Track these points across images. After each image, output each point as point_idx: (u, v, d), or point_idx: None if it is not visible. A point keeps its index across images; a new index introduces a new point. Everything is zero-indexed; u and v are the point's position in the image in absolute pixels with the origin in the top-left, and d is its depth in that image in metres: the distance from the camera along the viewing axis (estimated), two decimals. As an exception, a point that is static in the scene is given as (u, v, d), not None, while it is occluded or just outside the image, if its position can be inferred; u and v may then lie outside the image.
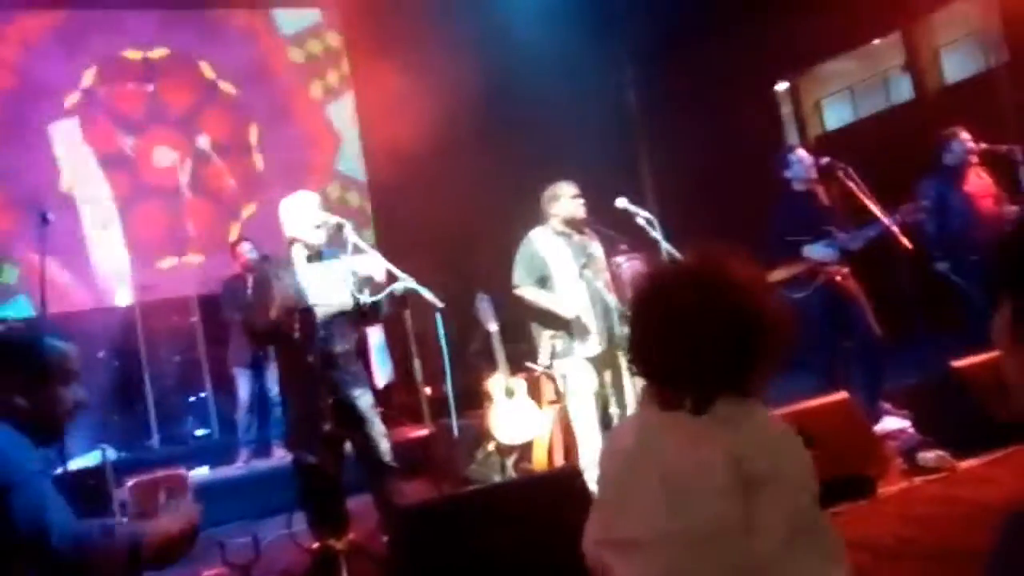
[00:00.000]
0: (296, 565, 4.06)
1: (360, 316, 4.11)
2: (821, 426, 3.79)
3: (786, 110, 10.34)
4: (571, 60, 8.42)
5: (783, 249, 5.23)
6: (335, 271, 4.09)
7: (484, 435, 5.56)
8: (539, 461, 5.25)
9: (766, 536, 1.48)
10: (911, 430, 4.56)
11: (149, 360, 7.77)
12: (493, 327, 5.74)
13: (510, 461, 5.44)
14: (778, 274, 5.28)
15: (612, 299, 4.55)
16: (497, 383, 5.59)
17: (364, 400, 4.05)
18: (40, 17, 8.47)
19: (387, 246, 6.42)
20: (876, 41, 9.43)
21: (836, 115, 10.31)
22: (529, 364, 5.39)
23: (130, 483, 4.89)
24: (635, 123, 9.38)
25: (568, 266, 4.66)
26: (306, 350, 3.82)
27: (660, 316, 1.60)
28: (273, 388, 6.86)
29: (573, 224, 4.77)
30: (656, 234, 4.88)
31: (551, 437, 5.23)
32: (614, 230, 5.12)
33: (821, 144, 9.39)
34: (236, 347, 6.94)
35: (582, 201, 4.80)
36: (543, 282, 4.64)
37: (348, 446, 4.14)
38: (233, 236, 8.05)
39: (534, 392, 5.53)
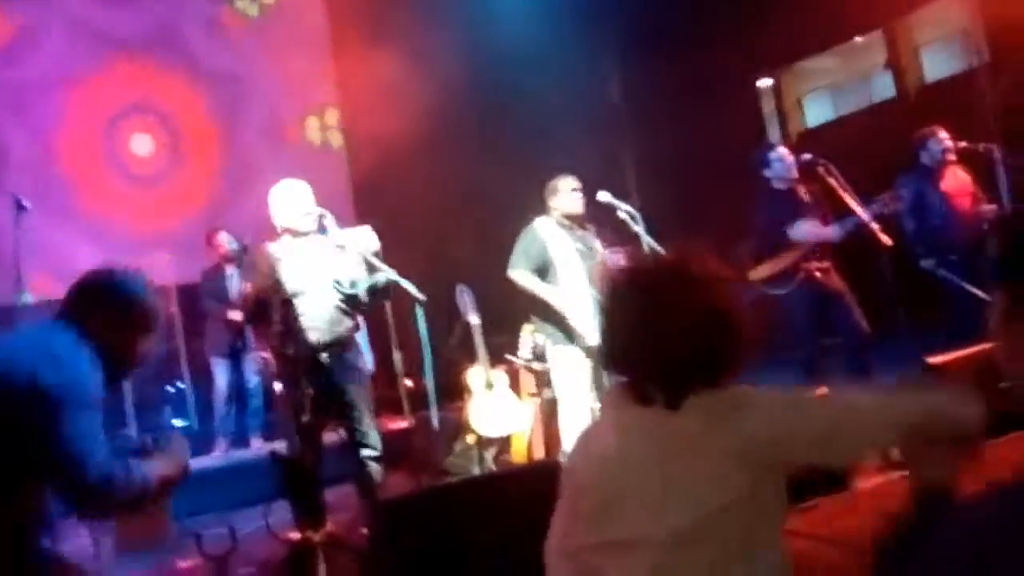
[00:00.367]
0: (273, 557, 4.04)
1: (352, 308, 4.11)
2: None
3: (768, 106, 10.37)
4: (555, 54, 8.40)
5: (766, 246, 5.25)
6: (324, 254, 4.08)
7: (463, 427, 5.56)
8: (519, 454, 5.26)
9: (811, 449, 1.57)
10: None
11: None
12: (473, 319, 5.74)
13: (489, 454, 5.45)
14: (761, 271, 5.30)
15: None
16: (477, 375, 5.59)
17: (354, 390, 4.04)
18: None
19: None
20: (858, 39, 9.47)
21: (817, 112, 10.35)
22: (509, 357, 5.40)
23: (106, 473, 4.84)
24: (618, 117, 9.38)
25: (572, 256, 4.67)
26: (287, 341, 3.81)
27: (631, 312, 1.64)
28: (252, 378, 6.83)
29: (572, 218, 4.78)
30: (638, 228, 4.90)
31: (532, 430, 5.23)
32: (596, 223, 5.14)
33: (802, 141, 9.42)
34: (213, 337, 6.90)
35: (580, 196, 4.81)
36: (543, 270, 4.65)
37: (328, 437, 4.14)
38: (210, 226, 7.96)
39: (514, 385, 5.54)
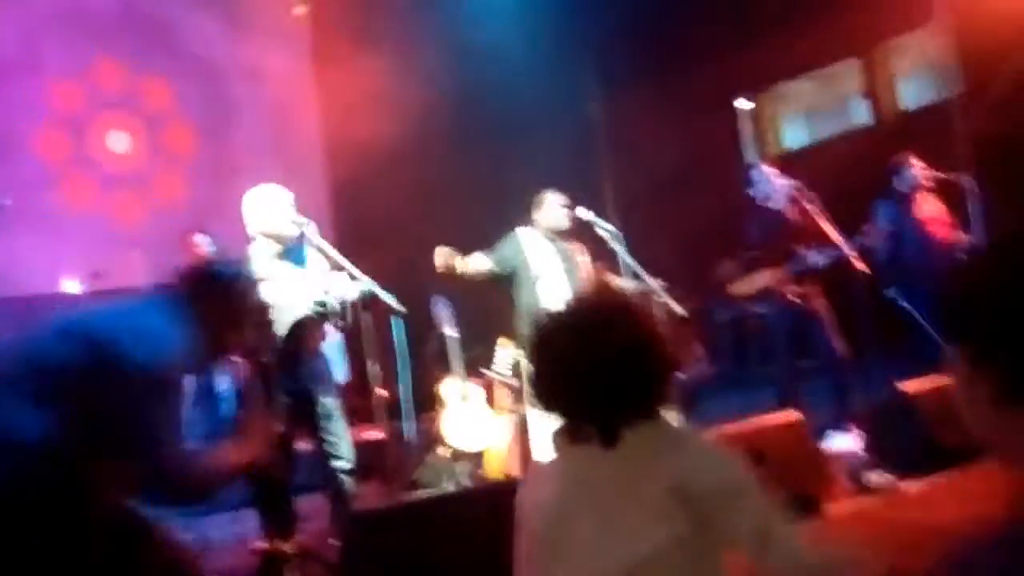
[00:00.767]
0: (243, 566, 4.00)
1: (321, 318, 4.08)
2: (769, 444, 3.84)
3: (746, 128, 10.46)
4: (536, 70, 8.43)
5: (752, 263, 5.32)
6: (305, 275, 4.05)
7: (436, 439, 5.54)
8: (493, 470, 5.24)
9: (753, 537, 1.58)
10: (860, 450, 4.64)
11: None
12: (449, 331, 5.72)
13: (461, 466, 5.42)
14: (741, 287, 5.37)
15: None
16: (451, 387, 5.57)
17: (327, 399, 4.02)
18: None
19: (346, 244, 6.37)
20: (836, 65, 9.58)
21: (794, 135, 10.46)
22: (484, 370, 5.39)
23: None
24: (597, 135, 9.43)
25: (552, 268, 4.69)
26: (261, 352, 3.77)
27: (557, 349, 1.68)
28: (221, 384, 6.73)
29: (557, 233, 4.81)
30: (616, 245, 4.92)
31: (507, 446, 5.22)
32: (574, 239, 5.16)
33: (779, 163, 9.50)
34: None
35: (566, 212, 4.84)
36: (512, 274, 4.68)
37: (299, 446, 4.11)
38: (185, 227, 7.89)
39: (490, 399, 5.53)
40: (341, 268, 4.06)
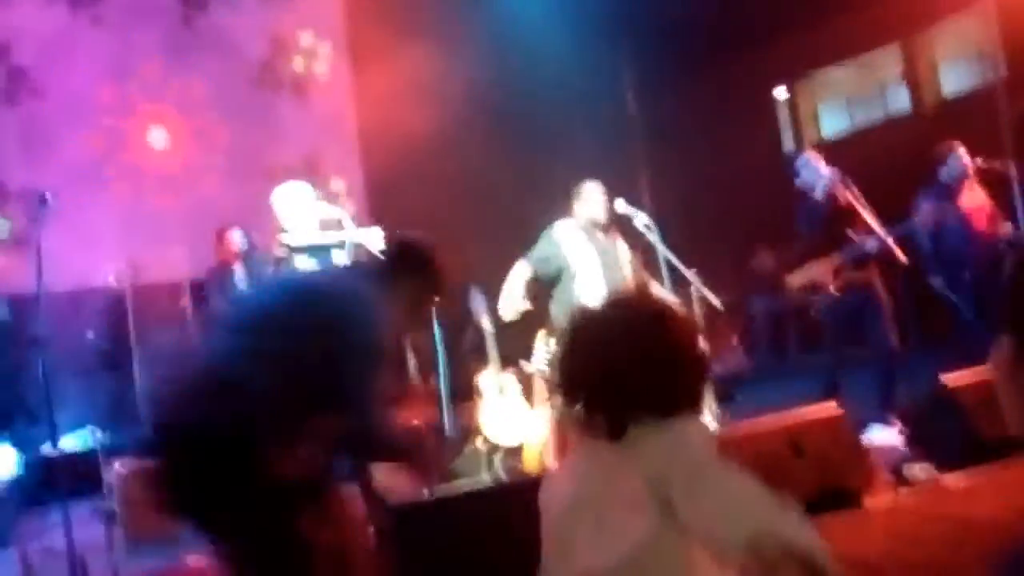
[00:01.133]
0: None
1: None
2: (809, 437, 3.82)
3: (784, 116, 10.36)
4: (571, 62, 8.41)
5: (804, 253, 5.29)
6: (334, 255, 4.10)
7: (473, 430, 5.57)
8: (531, 463, 5.25)
9: (726, 524, 1.50)
10: (900, 443, 4.60)
11: (138, 343, 7.74)
12: (486, 322, 5.74)
13: (497, 458, 5.45)
14: (797, 277, 5.33)
15: None
16: (488, 379, 5.59)
17: None
18: None
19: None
20: (875, 51, 9.45)
21: (833, 124, 10.33)
22: (523, 362, 5.40)
23: (117, 467, 4.88)
24: (634, 126, 9.39)
25: (590, 262, 4.68)
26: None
27: (585, 340, 1.72)
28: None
29: (596, 224, 4.79)
30: (654, 237, 4.91)
31: (544, 439, 5.23)
32: (613, 230, 5.15)
33: (818, 152, 9.41)
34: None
35: (604, 202, 4.81)
36: (556, 273, 4.69)
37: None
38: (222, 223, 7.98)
39: (527, 391, 5.54)
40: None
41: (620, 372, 1.63)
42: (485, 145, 8.28)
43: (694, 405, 1.70)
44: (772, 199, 7.33)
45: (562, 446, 4.98)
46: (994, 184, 5.74)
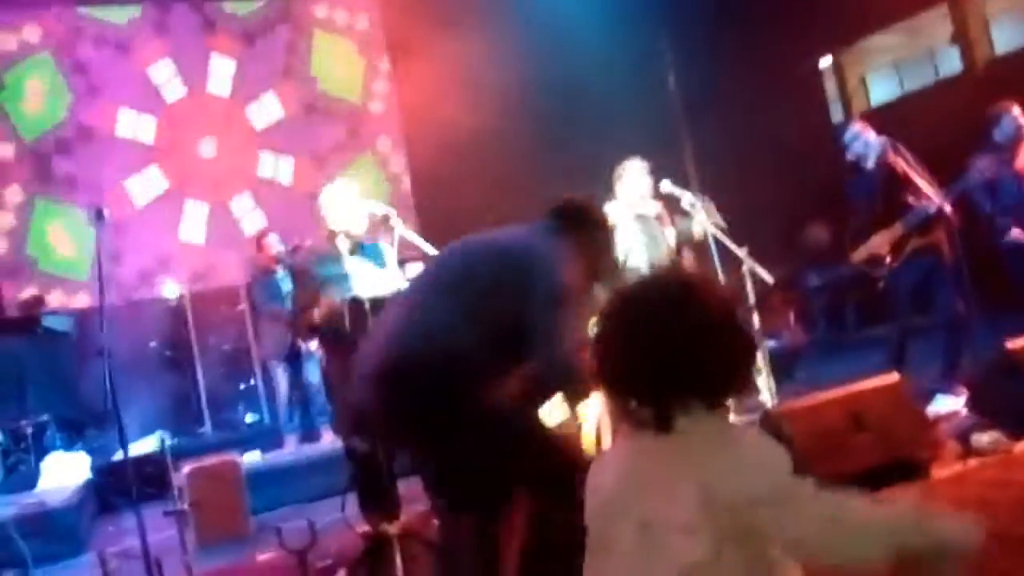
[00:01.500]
0: (349, 549, 4.13)
1: None
2: (873, 409, 3.75)
3: (830, 86, 10.16)
4: (610, 45, 8.37)
5: (864, 224, 5.20)
6: (381, 264, 4.13)
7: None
8: (587, 447, 5.25)
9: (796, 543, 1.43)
10: (965, 411, 4.50)
11: (200, 348, 7.93)
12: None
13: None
14: (860, 254, 5.25)
15: None
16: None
17: None
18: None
19: (429, 235, 6.48)
20: (923, 14, 9.22)
21: (882, 90, 10.11)
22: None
23: (186, 470, 5.00)
24: (676, 105, 9.30)
25: (638, 241, 4.65)
26: (355, 341, 3.86)
27: (623, 324, 1.60)
28: (313, 375, 6.89)
29: (642, 201, 4.72)
30: (700, 217, 4.87)
31: (598, 422, 5.22)
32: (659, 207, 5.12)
33: (867, 120, 9.21)
34: (269, 342, 6.98)
35: (650, 180, 4.74)
36: None
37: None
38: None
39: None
40: (425, 256, 4.12)
41: (658, 356, 1.52)
42: (526, 133, 8.28)
43: (743, 386, 1.60)
44: (822, 172, 7.21)
45: (615, 429, 4.97)
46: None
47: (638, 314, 1.58)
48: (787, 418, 3.66)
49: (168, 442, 5.81)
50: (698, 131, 9.15)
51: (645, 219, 4.80)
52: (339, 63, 9.49)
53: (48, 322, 7.48)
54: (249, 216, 8.82)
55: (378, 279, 4.09)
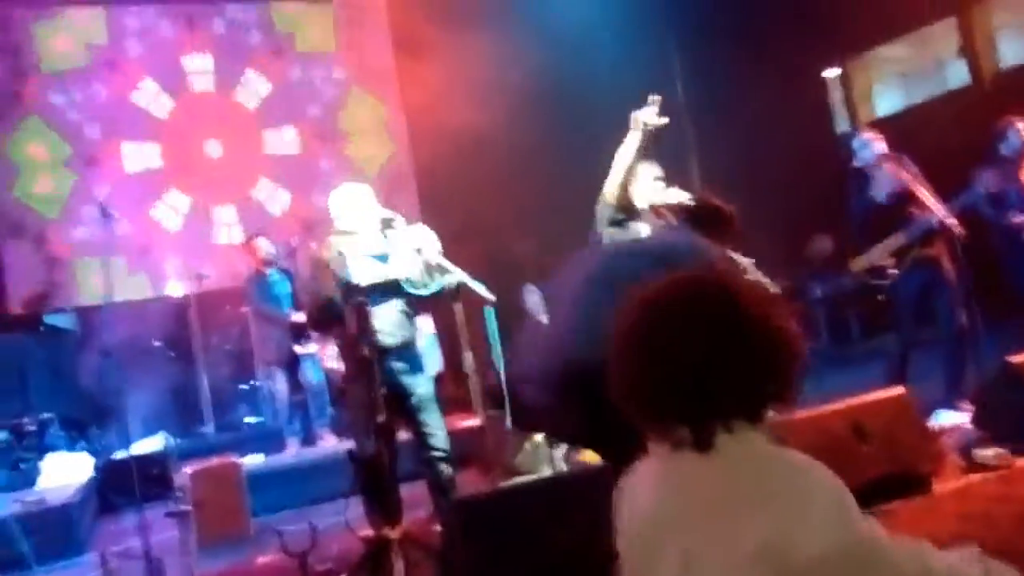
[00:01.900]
0: (350, 553, 4.13)
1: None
2: (874, 421, 3.74)
3: (836, 97, 10.17)
4: (619, 51, 8.38)
5: (864, 237, 5.20)
6: (387, 255, 4.14)
7: (533, 426, 5.58)
8: (589, 454, 5.25)
9: None
10: (968, 425, 4.49)
11: (202, 349, 7.93)
12: (544, 319, 5.73)
13: (558, 452, 5.46)
14: (859, 263, 5.25)
15: None
16: (547, 374, 5.59)
17: (421, 390, 4.12)
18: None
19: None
20: (930, 26, 9.23)
21: (888, 102, 10.11)
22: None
23: (188, 471, 5.01)
24: (682, 113, 9.30)
25: None
26: (360, 343, 3.87)
27: (651, 334, 1.38)
28: (312, 379, 6.91)
29: (656, 212, 4.70)
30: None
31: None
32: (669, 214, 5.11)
33: (873, 131, 9.23)
34: (262, 347, 7.05)
35: (663, 186, 4.71)
36: None
37: (402, 435, 4.21)
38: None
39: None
40: (434, 260, 4.13)
41: (695, 369, 1.31)
42: (532, 138, 8.29)
43: (789, 396, 1.40)
44: (827, 182, 7.21)
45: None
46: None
47: (669, 321, 1.37)
48: (788, 429, 3.65)
49: (170, 442, 5.82)
50: (704, 139, 9.15)
51: (656, 224, 4.78)
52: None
53: (51, 320, 7.50)
54: (253, 218, 8.83)
55: (412, 261, 4.11)
